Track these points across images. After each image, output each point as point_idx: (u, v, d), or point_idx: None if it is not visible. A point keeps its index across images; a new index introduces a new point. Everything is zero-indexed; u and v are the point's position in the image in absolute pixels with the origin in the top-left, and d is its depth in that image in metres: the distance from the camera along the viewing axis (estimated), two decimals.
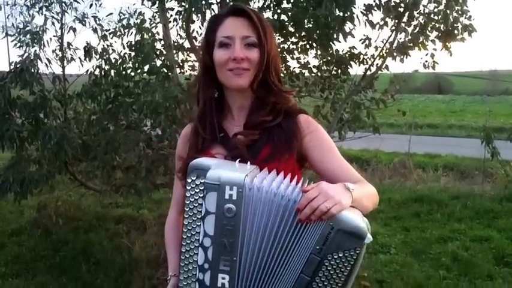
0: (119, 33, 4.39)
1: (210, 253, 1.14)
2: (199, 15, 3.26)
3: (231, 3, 3.46)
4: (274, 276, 1.15)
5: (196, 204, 1.16)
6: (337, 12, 3.48)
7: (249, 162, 1.21)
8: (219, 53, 1.29)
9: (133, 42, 4.14)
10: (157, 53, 4.26)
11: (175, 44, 4.44)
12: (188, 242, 1.17)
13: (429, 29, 4.13)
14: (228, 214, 1.12)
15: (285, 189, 1.14)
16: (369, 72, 4.28)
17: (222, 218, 1.13)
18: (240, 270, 1.15)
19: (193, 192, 1.16)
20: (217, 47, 1.30)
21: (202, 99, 1.36)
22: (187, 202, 1.17)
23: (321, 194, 1.09)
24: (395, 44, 4.13)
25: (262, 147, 1.31)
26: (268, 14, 3.89)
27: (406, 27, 4.11)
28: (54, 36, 4.37)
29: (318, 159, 1.34)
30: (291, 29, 3.98)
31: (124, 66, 4.15)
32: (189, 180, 1.17)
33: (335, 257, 1.10)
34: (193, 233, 1.17)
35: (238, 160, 1.22)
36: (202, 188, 1.15)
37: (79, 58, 4.36)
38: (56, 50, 4.38)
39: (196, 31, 4.61)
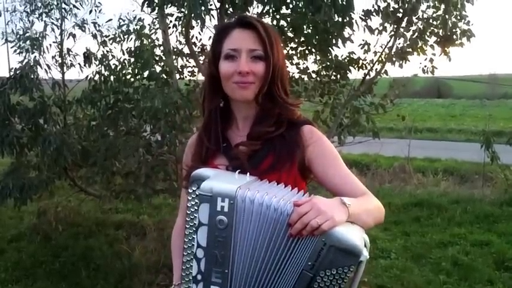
0: (118, 39, 4.40)
1: (203, 264, 1.14)
2: (198, 21, 3.26)
3: (233, 13, 3.47)
4: None
5: (194, 216, 1.16)
6: (336, 18, 3.49)
7: (248, 173, 1.20)
8: (224, 65, 1.29)
9: (132, 48, 4.16)
10: (157, 58, 4.27)
11: (175, 49, 4.46)
12: (188, 252, 1.17)
13: (428, 34, 4.15)
14: (220, 226, 1.11)
15: (277, 202, 1.11)
16: (368, 77, 4.30)
17: (214, 229, 1.12)
18: (232, 283, 1.14)
19: (193, 203, 1.16)
20: (223, 58, 1.29)
21: (208, 109, 1.36)
22: (188, 212, 1.17)
23: (313, 209, 1.07)
24: (394, 49, 4.14)
25: (264, 158, 1.30)
26: (267, 20, 3.90)
27: (405, 33, 4.13)
28: (53, 42, 4.40)
29: (321, 170, 1.32)
30: (290, 35, 4.00)
31: (123, 72, 4.16)
32: (190, 191, 1.17)
33: (327, 274, 1.07)
34: (191, 244, 1.17)
35: (238, 171, 1.21)
36: (198, 200, 1.15)
37: (79, 64, 4.39)
38: (55, 56, 4.41)
39: (196, 37, 4.64)
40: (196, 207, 1.15)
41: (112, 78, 4.14)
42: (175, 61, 4.35)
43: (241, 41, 1.28)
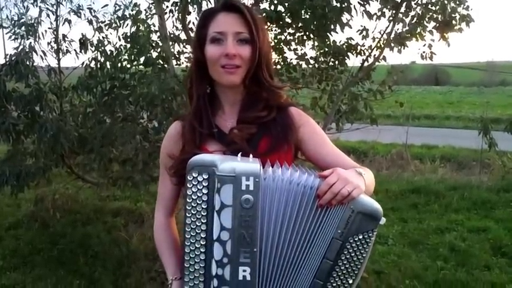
0: (114, 24, 4.35)
1: (229, 247, 1.13)
2: (195, 6, 3.23)
3: None
4: (297, 263, 1.17)
5: (200, 202, 1.14)
6: (334, 3, 3.46)
7: (251, 155, 1.20)
8: (211, 49, 1.29)
9: (128, 34, 4.11)
10: (153, 44, 4.23)
11: (171, 35, 4.41)
12: (193, 241, 1.16)
13: (427, 19, 4.11)
14: (246, 205, 1.12)
15: (299, 177, 1.16)
16: (366, 64, 4.27)
17: (239, 209, 1.12)
18: (261, 261, 1.15)
19: (195, 190, 1.14)
20: (209, 42, 1.30)
21: (196, 95, 1.35)
22: (190, 200, 1.15)
23: (340, 179, 1.13)
24: (392, 35, 4.11)
25: (259, 141, 1.31)
26: (265, 5, 3.86)
27: (404, 18, 4.09)
28: (49, 28, 4.33)
29: (314, 150, 1.37)
30: (288, 20, 3.95)
31: (120, 58, 4.11)
32: (190, 178, 1.15)
33: (355, 239, 1.15)
34: (199, 231, 1.15)
35: (240, 154, 1.20)
36: (206, 184, 1.14)
37: (74, 50, 4.32)
38: (51, 42, 4.34)
39: (193, 22, 4.56)
40: (204, 193, 1.14)
41: (108, 64, 4.09)
42: (171, 47, 4.30)
43: (227, 24, 1.28)
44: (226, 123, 1.35)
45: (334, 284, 1.18)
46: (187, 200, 1.15)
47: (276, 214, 1.15)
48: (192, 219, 1.15)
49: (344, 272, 1.17)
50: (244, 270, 1.13)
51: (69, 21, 4.34)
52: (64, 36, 4.35)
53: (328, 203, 1.13)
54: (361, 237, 1.15)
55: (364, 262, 1.18)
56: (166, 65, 3.89)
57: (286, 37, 4.27)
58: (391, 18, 4.05)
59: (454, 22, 4.05)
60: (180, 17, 4.29)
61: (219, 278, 1.14)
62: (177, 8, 4.33)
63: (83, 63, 4.22)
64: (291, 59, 4.44)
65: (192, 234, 1.16)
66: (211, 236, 1.14)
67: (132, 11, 4.30)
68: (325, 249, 1.16)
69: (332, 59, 4.34)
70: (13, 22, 4.18)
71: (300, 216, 1.15)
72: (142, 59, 3.87)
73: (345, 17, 3.64)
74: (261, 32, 1.30)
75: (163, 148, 1.43)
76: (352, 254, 1.16)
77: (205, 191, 1.14)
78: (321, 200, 1.13)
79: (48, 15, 4.31)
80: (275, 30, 4.27)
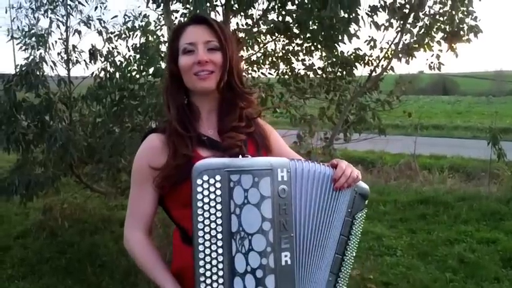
0: (123, 35, 4.39)
1: (271, 236, 1.21)
2: None
3: (238, 9, 3.45)
4: (323, 241, 1.31)
5: (214, 204, 1.18)
6: (342, 14, 3.46)
7: (249, 157, 1.29)
8: (183, 59, 1.36)
9: (138, 45, 4.15)
10: (162, 55, 4.26)
11: None
12: (208, 245, 1.18)
13: (434, 30, 4.12)
14: (282, 195, 1.24)
15: (316, 166, 1.32)
16: (374, 74, 4.27)
17: (277, 199, 1.23)
18: (297, 244, 1.26)
19: (207, 193, 1.18)
20: (181, 53, 1.37)
21: (175, 107, 1.39)
22: (200, 205, 1.18)
23: (347, 166, 1.35)
24: (400, 45, 4.11)
25: (247, 146, 1.40)
26: (273, 16, 3.88)
27: (412, 29, 4.10)
28: (59, 38, 4.39)
29: (279, 154, 1.46)
30: (296, 31, 3.97)
31: (129, 68, 4.15)
32: (200, 182, 1.18)
33: (358, 216, 1.37)
34: (214, 233, 1.18)
35: (240, 156, 1.29)
36: (219, 186, 1.19)
37: (84, 61, 4.37)
38: (61, 52, 4.40)
39: None
40: (218, 194, 1.18)
41: (117, 74, 4.12)
42: None
43: (197, 34, 1.36)
44: (207, 131, 1.40)
45: (347, 257, 1.36)
46: (197, 204, 1.18)
47: (304, 200, 1.29)
48: (206, 223, 1.18)
49: (352, 245, 1.37)
50: (285, 256, 1.23)
51: (79, 32, 4.40)
52: (74, 46, 4.41)
53: (341, 186, 1.31)
54: (360, 214, 1.38)
55: None
56: None
57: (294, 48, 4.29)
58: (398, 28, 4.06)
59: (462, 33, 4.05)
60: None
61: (264, 268, 1.19)
62: (185, 19, 4.37)
63: (93, 73, 4.26)
64: (299, 70, 4.47)
65: (206, 238, 1.18)
66: (234, 232, 1.18)
67: (141, 22, 4.35)
68: (341, 227, 1.34)
69: (340, 70, 4.36)
70: (24, 33, 4.25)
71: (322, 200, 1.31)
72: (151, 70, 3.90)
73: (353, 27, 3.65)
74: (229, 41, 1.38)
75: (145, 160, 1.38)
76: (357, 229, 1.37)
77: (218, 192, 1.19)
78: (336, 184, 1.31)
79: (58, 26, 4.38)
80: (283, 40, 4.29)
